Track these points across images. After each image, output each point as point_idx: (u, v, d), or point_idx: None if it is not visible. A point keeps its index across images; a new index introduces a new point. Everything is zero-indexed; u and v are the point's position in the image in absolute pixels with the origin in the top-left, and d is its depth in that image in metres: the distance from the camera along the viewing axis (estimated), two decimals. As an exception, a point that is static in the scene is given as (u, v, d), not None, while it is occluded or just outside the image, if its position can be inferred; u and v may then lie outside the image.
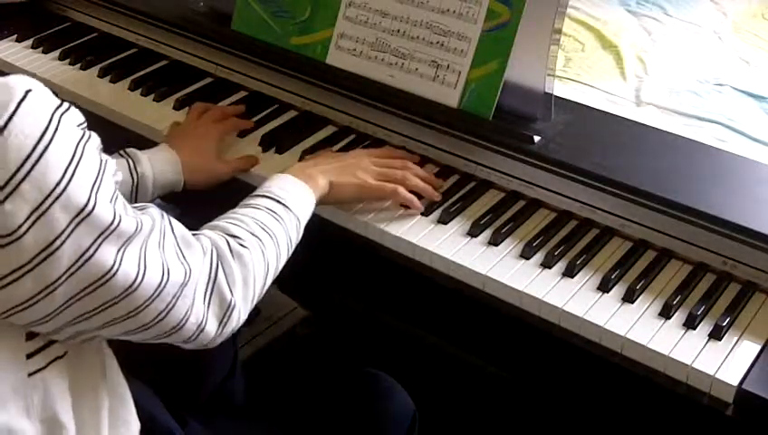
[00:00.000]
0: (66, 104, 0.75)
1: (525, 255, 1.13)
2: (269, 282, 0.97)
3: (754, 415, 0.95)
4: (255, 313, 1.00)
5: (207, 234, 0.93)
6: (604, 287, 1.08)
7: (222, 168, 1.28)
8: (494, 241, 1.16)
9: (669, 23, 2.03)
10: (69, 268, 0.74)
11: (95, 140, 0.77)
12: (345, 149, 1.33)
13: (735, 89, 1.73)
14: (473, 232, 1.17)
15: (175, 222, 0.87)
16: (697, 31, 2.00)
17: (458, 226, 1.19)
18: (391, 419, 1.20)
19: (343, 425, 1.16)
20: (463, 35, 1.26)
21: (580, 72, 1.76)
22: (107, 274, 0.76)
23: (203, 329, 0.87)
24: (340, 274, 1.07)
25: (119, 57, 1.59)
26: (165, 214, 0.87)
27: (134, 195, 1.20)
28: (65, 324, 0.78)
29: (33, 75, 1.55)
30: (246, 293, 0.92)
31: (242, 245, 0.94)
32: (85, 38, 1.67)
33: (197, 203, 1.45)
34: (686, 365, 0.98)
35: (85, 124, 0.77)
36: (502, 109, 1.24)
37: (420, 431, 1.24)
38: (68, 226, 0.73)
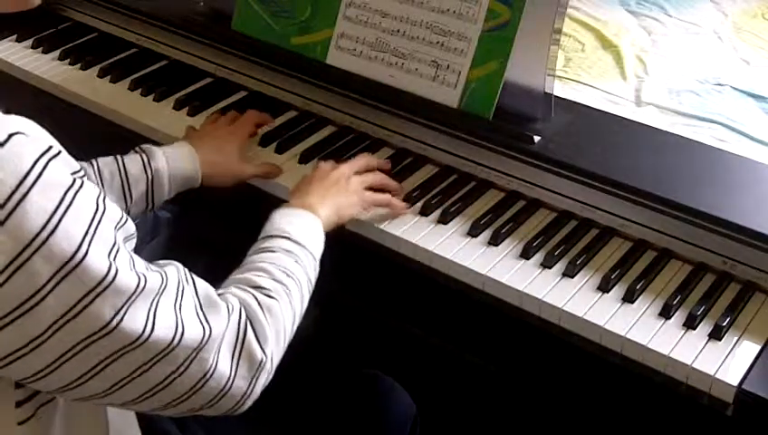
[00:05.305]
0: (57, 149, 0.70)
1: (525, 255, 1.13)
2: (296, 328, 0.94)
3: (754, 415, 0.95)
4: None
5: (234, 291, 0.88)
6: (604, 287, 1.08)
7: (243, 169, 1.27)
8: (494, 241, 1.16)
9: (669, 23, 2.03)
10: (55, 323, 0.70)
11: (91, 188, 0.73)
12: (345, 148, 1.34)
13: (735, 89, 1.73)
14: (473, 232, 1.17)
15: (199, 281, 0.83)
16: (697, 31, 2.00)
17: (458, 226, 1.19)
18: (393, 420, 1.19)
19: (344, 427, 1.16)
20: (463, 35, 1.26)
21: (580, 72, 1.76)
22: (101, 329, 0.72)
23: (227, 392, 0.82)
24: (338, 274, 1.06)
25: (119, 57, 1.60)
26: (189, 272, 0.82)
27: (150, 192, 1.18)
28: (68, 386, 0.74)
29: (33, 75, 1.55)
30: (278, 345, 0.88)
31: (270, 296, 0.89)
32: (85, 38, 1.67)
33: (197, 204, 1.45)
34: (686, 365, 0.98)
35: (82, 173, 0.73)
36: (502, 109, 1.24)
37: (422, 432, 1.24)
38: (51, 278, 0.68)
